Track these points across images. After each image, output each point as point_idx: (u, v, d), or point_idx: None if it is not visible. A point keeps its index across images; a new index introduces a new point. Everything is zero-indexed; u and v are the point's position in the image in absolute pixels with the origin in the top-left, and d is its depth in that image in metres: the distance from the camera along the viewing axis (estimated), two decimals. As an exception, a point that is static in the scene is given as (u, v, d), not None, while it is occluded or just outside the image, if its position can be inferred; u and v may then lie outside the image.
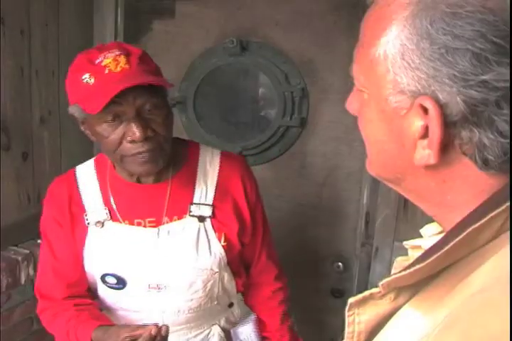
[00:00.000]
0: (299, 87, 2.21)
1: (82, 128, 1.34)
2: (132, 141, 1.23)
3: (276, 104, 2.24)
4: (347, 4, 2.08)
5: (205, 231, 1.40)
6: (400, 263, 0.81)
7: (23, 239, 2.05)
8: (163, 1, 2.38)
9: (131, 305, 1.44)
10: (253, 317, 1.63)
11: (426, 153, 0.59)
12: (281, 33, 2.23)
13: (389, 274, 0.65)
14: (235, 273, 1.50)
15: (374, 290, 0.65)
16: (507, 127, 0.55)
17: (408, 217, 2.04)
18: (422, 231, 0.79)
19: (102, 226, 1.40)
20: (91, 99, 1.18)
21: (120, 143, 1.24)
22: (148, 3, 2.42)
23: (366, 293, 0.65)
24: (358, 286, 2.24)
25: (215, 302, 1.46)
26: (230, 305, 1.55)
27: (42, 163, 2.16)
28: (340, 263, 2.30)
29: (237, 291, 1.55)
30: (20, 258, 1.97)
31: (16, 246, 2.06)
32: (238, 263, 1.53)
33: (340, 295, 2.32)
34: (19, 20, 1.98)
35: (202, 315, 1.47)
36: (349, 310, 0.67)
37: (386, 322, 0.66)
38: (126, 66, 1.20)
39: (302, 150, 2.29)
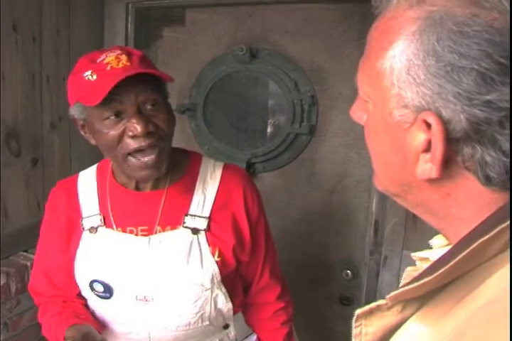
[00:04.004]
0: (308, 94, 2.21)
1: (82, 132, 1.33)
2: (133, 136, 1.21)
3: (286, 111, 2.25)
4: (357, 12, 2.09)
5: (199, 244, 1.35)
6: (409, 273, 0.81)
7: (32, 244, 2.04)
8: (174, 9, 2.39)
9: (118, 318, 1.41)
10: (254, 337, 1.59)
11: (428, 166, 0.59)
12: (291, 41, 2.23)
13: (398, 283, 0.65)
14: (230, 294, 1.43)
15: (381, 302, 0.65)
16: (510, 146, 0.56)
17: (417, 226, 2.03)
18: (431, 242, 0.79)
19: (96, 232, 1.38)
20: (93, 93, 1.17)
21: (120, 139, 1.22)
22: (158, 10, 2.43)
23: (373, 304, 0.65)
24: (367, 294, 2.23)
25: (207, 323, 1.40)
26: (226, 326, 1.49)
27: (52, 168, 2.17)
28: (348, 271, 2.29)
29: (235, 313, 1.48)
30: (29, 264, 1.97)
31: (26, 251, 2.06)
32: (234, 282, 1.48)
33: (349, 302, 2.32)
34: (31, 28, 2.00)
35: (192, 335, 1.42)
36: (356, 321, 0.67)
37: (393, 334, 0.66)
38: (128, 63, 1.19)
39: (311, 158, 2.29)
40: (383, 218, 2.14)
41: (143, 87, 1.20)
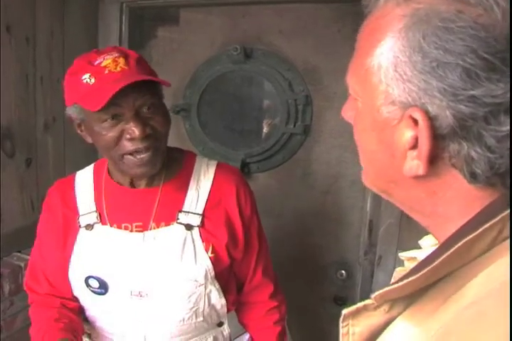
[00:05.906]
0: (302, 94, 2.21)
1: (78, 131, 1.34)
2: (131, 139, 1.23)
3: (280, 111, 2.24)
4: (351, 12, 2.08)
5: (192, 240, 1.36)
6: (399, 273, 0.81)
7: (26, 245, 2.04)
8: (168, 9, 2.39)
9: (113, 313, 1.42)
10: (247, 336, 1.59)
11: (415, 163, 0.59)
12: (285, 41, 2.23)
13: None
14: (224, 290, 1.44)
15: (367, 301, 0.64)
16: (495, 142, 0.56)
17: (411, 226, 2.02)
18: (420, 242, 0.80)
19: (92, 229, 1.39)
20: (92, 97, 1.19)
21: (118, 141, 1.25)
22: (153, 10, 2.43)
23: (360, 304, 0.65)
24: (361, 294, 2.23)
25: (201, 319, 1.42)
26: (220, 324, 1.50)
27: (46, 169, 2.17)
28: (343, 271, 2.29)
29: (228, 310, 1.50)
30: (23, 265, 1.97)
31: (19, 252, 2.06)
32: (228, 279, 1.49)
33: (344, 303, 2.31)
34: (25, 28, 1.99)
35: (186, 331, 1.43)
36: (343, 321, 0.67)
37: (380, 334, 0.66)
38: (125, 67, 1.21)
39: (306, 158, 2.29)
40: (378, 218, 2.14)
41: (141, 91, 1.21)
